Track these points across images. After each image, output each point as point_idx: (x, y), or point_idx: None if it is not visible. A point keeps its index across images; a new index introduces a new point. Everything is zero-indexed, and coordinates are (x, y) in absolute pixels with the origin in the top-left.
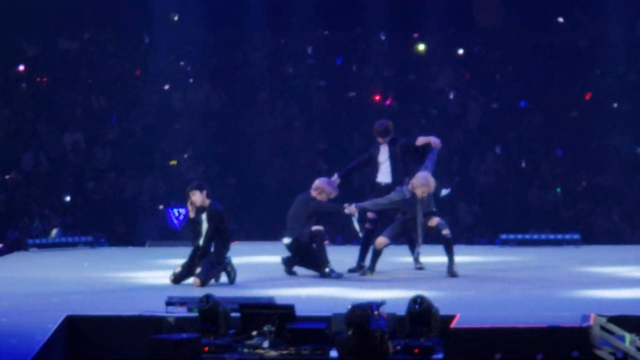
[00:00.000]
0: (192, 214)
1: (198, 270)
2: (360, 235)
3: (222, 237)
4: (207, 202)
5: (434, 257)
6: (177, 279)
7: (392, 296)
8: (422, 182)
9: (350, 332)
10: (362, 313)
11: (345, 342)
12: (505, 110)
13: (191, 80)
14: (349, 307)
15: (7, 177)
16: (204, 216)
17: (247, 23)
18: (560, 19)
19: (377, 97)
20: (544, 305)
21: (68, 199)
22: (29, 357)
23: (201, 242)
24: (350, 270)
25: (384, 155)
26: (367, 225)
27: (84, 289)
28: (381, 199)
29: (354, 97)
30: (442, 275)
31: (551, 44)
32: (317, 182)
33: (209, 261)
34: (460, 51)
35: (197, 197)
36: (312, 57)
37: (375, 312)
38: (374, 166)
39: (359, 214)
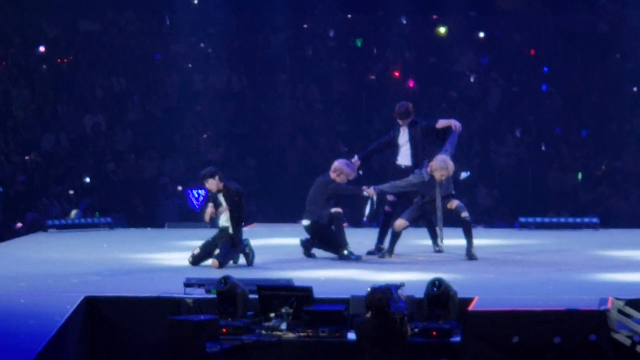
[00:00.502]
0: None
1: (217, 251)
2: (365, 219)
3: (239, 217)
4: (222, 184)
5: (452, 239)
6: (196, 260)
7: (411, 279)
8: (441, 165)
9: (369, 315)
10: (382, 295)
11: (364, 325)
12: (525, 93)
13: (212, 62)
14: (369, 289)
15: (27, 157)
16: (221, 198)
17: (269, 5)
18: None
19: (396, 73)
20: (562, 289)
21: (88, 180)
22: (47, 338)
23: (220, 223)
24: (369, 253)
25: (404, 138)
26: (386, 208)
27: (102, 270)
28: (400, 182)
29: (374, 79)
30: (460, 258)
31: (572, 27)
32: (336, 164)
33: (228, 243)
34: (481, 34)
35: (212, 184)
36: (333, 40)
37: (395, 295)
38: (394, 148)
39: (377, 196)
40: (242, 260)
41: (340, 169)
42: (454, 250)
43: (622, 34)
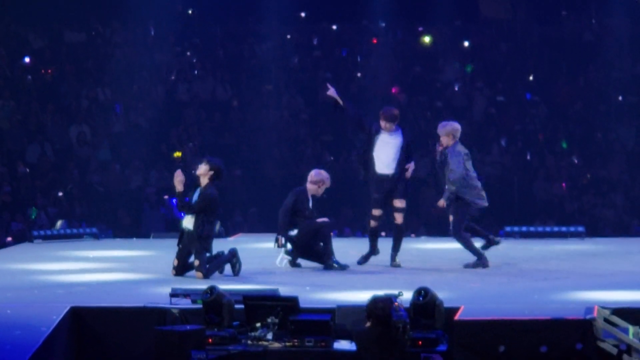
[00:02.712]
0: (179, 187)
1: (196, 262)
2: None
3: (208, 222)
4: (206, 182)
5: (436, 244)
6: (178, 271)
7: (396, 288)
8: (444, 126)
9: (369, 324)
10: (384, 304)
11: (365, 334)
12: (510, 102)
13: (197, 72)
14: (369, 298)
15: (19, 170)
16: (195, 196)
17: (254, 15)
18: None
19: (394, 90)
20: (547, 298)
21: (72, 190)
22: (33, 348)
23: (183, 224)
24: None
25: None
26: (373, 224)
27: (88, 281)
28: None
29: (359, 88)
30: (446, 266)
31: (557, 36)
32: (314, 175)
33: (201, 249)
34: (466, 43)
35: (202, 169)
36: (318, 49)
37: (395, 304)
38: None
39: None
40: (228, 270)
41: (320, 180)
42: (440, 258)
43: (608, 43)
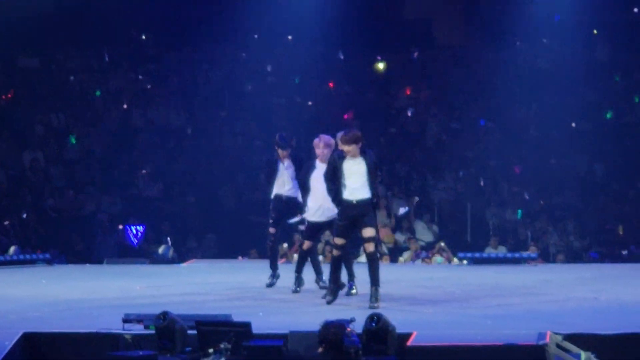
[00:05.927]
0: None
1: None
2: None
3: None
4: None
5: (385, 269)
6: None
7: (348, 314)
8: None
9: (321, 349)
10: (336, 330)
11: None
12: (464, 128)
13: (151, 98)
14: (322, 324)
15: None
16: None
17: (207, 41)
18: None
19: (346, 116)
20: (501, 324)
21: (25, 216)
22: None
23: None
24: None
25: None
26: (335, 253)
27: (41, 306)
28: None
29: (313, 114)
30: (399, 293)
31: (511, 63)
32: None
33: None
34: (421, 69)
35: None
36: (272, 75)
37: (348, 329)
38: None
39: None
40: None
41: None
42: (392, 283)
43: (561, 70)
